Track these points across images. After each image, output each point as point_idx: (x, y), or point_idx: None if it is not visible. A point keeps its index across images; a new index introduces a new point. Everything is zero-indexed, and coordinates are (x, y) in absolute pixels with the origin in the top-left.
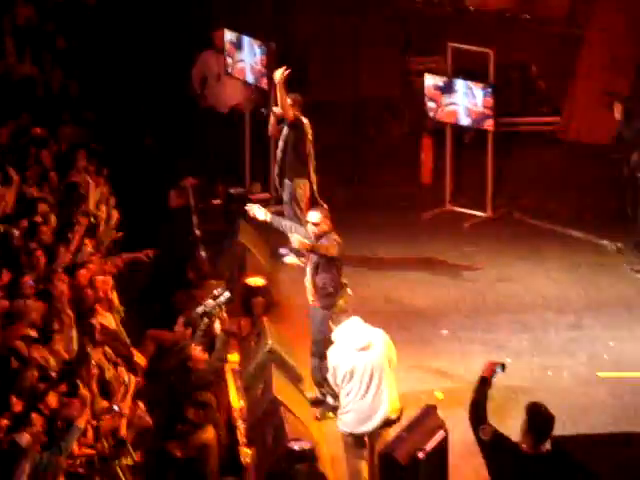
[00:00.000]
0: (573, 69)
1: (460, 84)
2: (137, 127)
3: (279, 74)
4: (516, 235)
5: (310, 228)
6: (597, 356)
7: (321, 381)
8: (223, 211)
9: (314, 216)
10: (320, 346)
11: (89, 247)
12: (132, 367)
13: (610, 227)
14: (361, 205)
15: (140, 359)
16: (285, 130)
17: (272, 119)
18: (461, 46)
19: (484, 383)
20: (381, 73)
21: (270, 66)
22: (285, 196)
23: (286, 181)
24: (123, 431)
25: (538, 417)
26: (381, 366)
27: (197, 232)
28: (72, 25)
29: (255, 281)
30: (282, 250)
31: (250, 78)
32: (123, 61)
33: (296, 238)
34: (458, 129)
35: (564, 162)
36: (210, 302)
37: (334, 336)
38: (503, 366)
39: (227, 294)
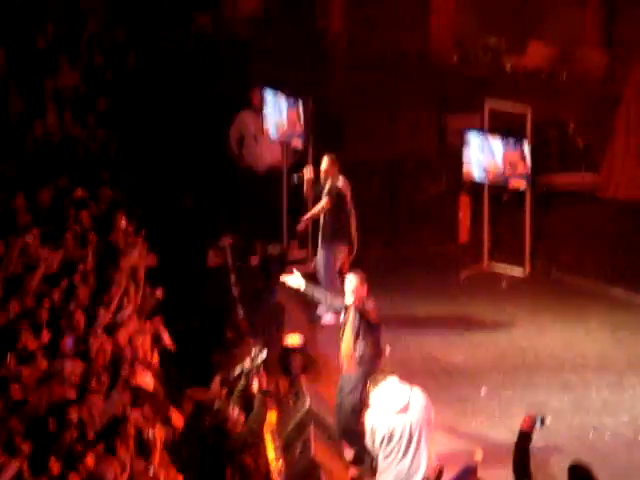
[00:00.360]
0: (611, 127)
1: (495, 142)
2: (176, 187)
3: (307, 173)
4: (554, 293)
5: (347, 296)
6: (639, 417)
7: (351, 439)
8: (261, 270)
9: (351, 283)
10: (349, 418)
11: (129, 308)
12: (170, 426)
13: None
14: (399, 265)
15: (178, 419)
16: (324, 196)
17: (307, 178)
18: (499, 104)
19: (525, 438)
20: (418, 131)
21: (307, 125)
22: (320, 262)
23: (322, 246)
24: None
25: (579, 477)
26: (420, 427)
27: (235, 291)
28: (113, 87)
29: (293, 340)
30: (320, 310)
31: (275, 135)
32: (162, 121)
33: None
34: (496, 188)
35: (602, 220)
36: (247, 362)
37: (372, 398)
38: (542, 420)
39: (264, 354)
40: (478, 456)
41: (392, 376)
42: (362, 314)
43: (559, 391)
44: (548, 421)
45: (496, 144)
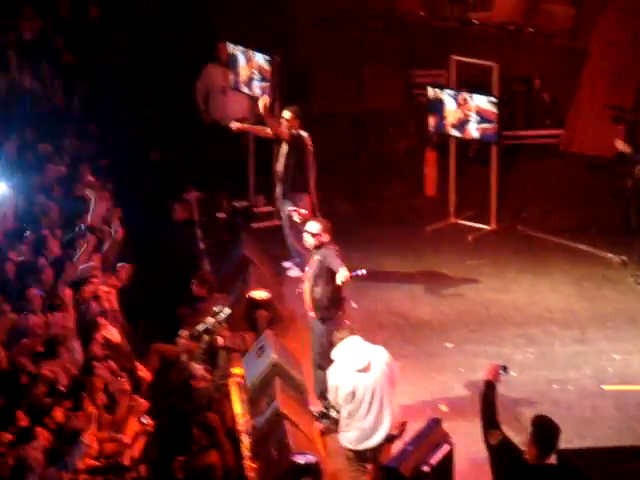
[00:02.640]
0: (577, 82)
1: (464, 97)
2: (142, 141)
3: (262, 103)
4: (520, 248)
5: (308, 239)
6: (602, 369)
7: (324, 394)
8: (227, 224)
9: (313, 227)
10: (320, 358)
11: (94, 262)
12: (136, 381)
13: (614, 240)
14: (365, 218)
15: (144, 373)
16: (285, 147)
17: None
18: (465, 59)
19: (490, 387)
20: (384, 86)
21: (274, 78)
22: (287, 211)
23: (286, 199)
24: (126, 461)
25: (543, 429)
26: (382, 385)
27: (201, 245)
28: (76, 39)
29: (259, 294)
30: (286, 263)
31: (246, 90)
32: (128, 75)
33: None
34: (462, 142)
35: (568, 175)
36: (210, 319)
37: (334, 355)
38: (505, 368)
39: (227, 310)
40: (443, 409)
41: (355, 335)
42: (322, 259)
43: (524, 345)
44: (511, 370)
45: (462, 99)
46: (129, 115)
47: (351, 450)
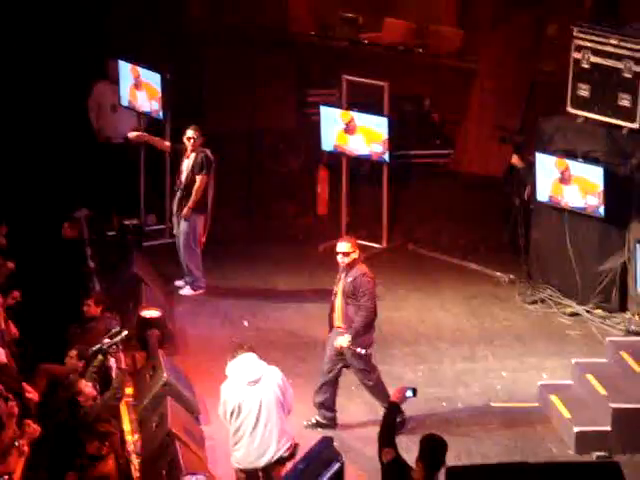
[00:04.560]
0: (466, 102)
1: (353, 116)
2: (30, 159)
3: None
4: (411, 267)
5: (341, 259)
6: (490, 387)
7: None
8: (117, 243)
9: (343, 247)
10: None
11: None
12: (24, 402)
13: (503, 259)
14: (257, 237)
15: (32, 394)
16: (188, 164)
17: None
18: (355, 79)
19: (394, 408)
20: (278, 104)
21: (165, 96)
22: (184, 230)
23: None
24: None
25: (429, 447)
26: (269, 405)
27: (91, 264)
28: None
29: (150, 313)
30: (178, 282)
31: (131, 107)
32: (15, 91)
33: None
34: (354, 161)
35: (458, 194)
36: (106, 340)
37: (227, 370)
38: (414, 391)
39: (124, 332)
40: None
41: (250, 352)
42: (354, 284)
43: (414, 363)
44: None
45: (354, 118)
46: (18, 132)
47: (241, 470)
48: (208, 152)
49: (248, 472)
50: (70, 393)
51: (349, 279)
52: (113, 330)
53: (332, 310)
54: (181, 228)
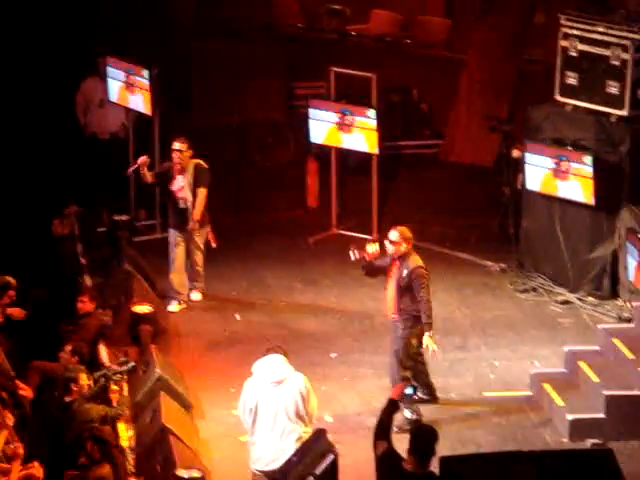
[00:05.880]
0: (454, 92)
1: (341, 108)
2: (18, 155)
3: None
4: None
5: (388, 246)
6: (483, 376)
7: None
8: (108, 238)
9: (392, 235)
10: (406, 359)
11: None
12: (17, 401)
13: (494, 248)
14: (247, 231)
15: (26, 391)
16: (188, 178)
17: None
18: (343, 71)
19: (392, 405)
20: (266, 98)
21: (154, 92)
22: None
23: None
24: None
25: (420, 438)
26: (289, 408)
27: (82, 260)
28: None
29: (142, 309)
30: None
31: (120, 102)
32: (4, 86)
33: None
34: (343, 153)
35: (447, 184)
36: (114, 367)
37: (253, 368)
38: (415, 388)
39: (131, 364)
40: (327, 420)
41: (280, 354)
42: (410, 276)
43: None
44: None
45: (342, 110)
46: (6, 128)
47: (257, 472)
48: (202, 163)
49: (265, 474)
50: (63, 389)
51: (404, 272)
52: (122, 359)
53: (385, 298)
54: (192, 243)
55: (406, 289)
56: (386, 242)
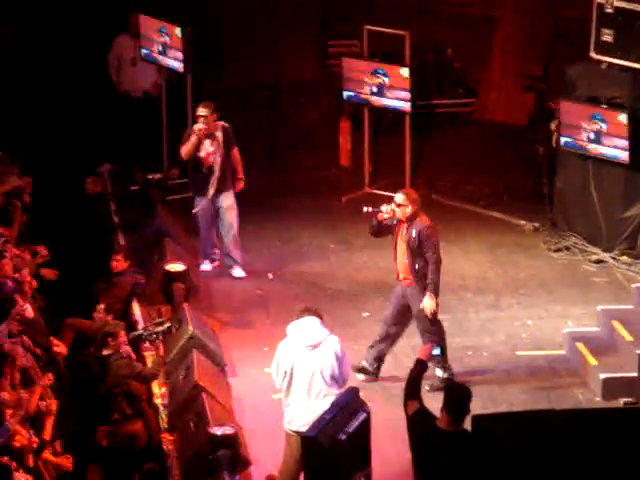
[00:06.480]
0: (488, 51)
1: (375, 66)
2: (53, 114)
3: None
4: (434, 217)
5: (396, 210)
6: (516, 335)
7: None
8: (141, 197)
9: (398, 198)
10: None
11: (6, 236)
12: (51, 357)
13: (527, 207)
14: (280, 190)
15: (60, 348)
16: (217, 143)
17: (194, 139)
18: (377, 29)
19: (421, 366)
20: (299, 56)
21: (187, 50)
22: (230, 205)
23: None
24: (47, 433)
25: (454, 396)
26: (325, 370)
27: (115, 219)
28: None
29: (174, 267)
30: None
31: (152, 60)
32: (37, 47)
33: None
34: (376, 112)
35: (481, 143)
36: (150, 328)
37: (287, 329)
38: (442, 349)
39: (167, 324)
40: (359, 377)
41: (316, 317)
42: (420, 237)
43: (439, 312)
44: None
45: (375, 69)
46: (40, 87)
47: (292, 432)
48: (226, 125)
49: (299, 434)
50: (101, 344)
51: (413, 233)
52: (157, 319)
53: (395, 260)
54: (225, 205)
55: (418, 250)
56: (392, 205)
